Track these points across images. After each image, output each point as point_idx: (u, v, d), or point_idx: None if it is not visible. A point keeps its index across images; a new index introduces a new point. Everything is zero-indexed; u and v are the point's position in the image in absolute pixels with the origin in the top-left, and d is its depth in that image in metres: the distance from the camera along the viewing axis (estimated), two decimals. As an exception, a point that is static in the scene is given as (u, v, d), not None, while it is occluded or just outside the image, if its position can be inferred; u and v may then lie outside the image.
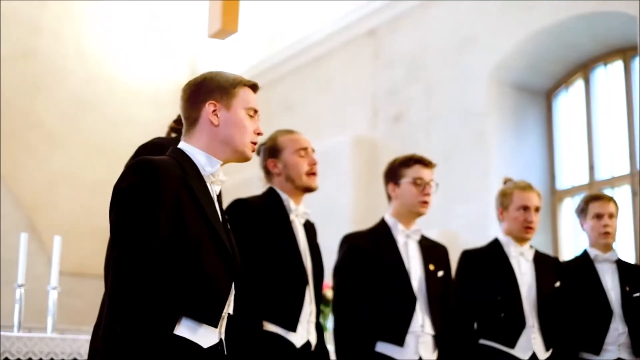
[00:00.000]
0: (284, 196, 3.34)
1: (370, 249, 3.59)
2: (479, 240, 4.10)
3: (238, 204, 3.26)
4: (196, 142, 2.38)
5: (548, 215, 7.86)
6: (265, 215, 3.24)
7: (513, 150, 7.90)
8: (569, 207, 7.95)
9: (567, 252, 7.67)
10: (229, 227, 2.60)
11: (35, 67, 10.21)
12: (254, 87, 2.49)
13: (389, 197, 3.75)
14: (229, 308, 2.33)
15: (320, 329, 3.35)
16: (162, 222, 2.13)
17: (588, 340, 3.97)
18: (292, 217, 3.32)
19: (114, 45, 10.70)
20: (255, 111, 2.45)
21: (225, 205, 3.26)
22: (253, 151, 2.46)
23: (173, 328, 2.13)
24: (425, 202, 3.66)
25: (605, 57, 7.70)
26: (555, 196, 7.97)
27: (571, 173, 7.97)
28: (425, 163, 3.71)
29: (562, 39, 7.57)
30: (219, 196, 2.85)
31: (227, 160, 2.41)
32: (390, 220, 3.70)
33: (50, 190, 9.77)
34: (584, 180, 7.80)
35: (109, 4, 10.74)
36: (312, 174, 3.37)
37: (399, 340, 3.43)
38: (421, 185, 3.65)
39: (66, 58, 10.41)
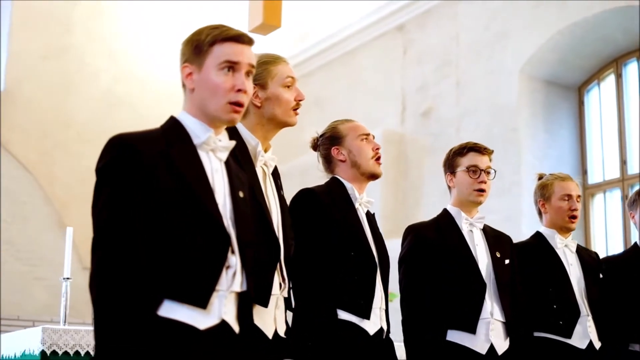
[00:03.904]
0: (347, 185, 3.29)
1: (435, 238, 3.55)
2: (512, 235, 4.07)
3: (304, 193, 3.21)
4: (188, 109, 2.24)
5: (580, 211, 7.81)
6: (331, 203, 3.20)
7: (544, 145, 7.87)
8: (600, 202, 7.90)
9: (599, 248, 7.61)
10: (277, 196, 2.59)
11: (67, 65, 10.28)
12: (239, 39, 2.22)
13: (449, 188, 3.73)
14: (235, 285, 2.13)
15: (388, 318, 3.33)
16: (133, 201, 2.02)
17: (638, 332, 3.96)
18: (356, 205, 3.28)
19: (145, 43, 10.75)
20: (234, 63, 2.19)
21: (291, 194, 3.21)
22: (236, 112, 2.19)
23: (154, 309, 2.00)
24: (482, 190, 3.61)
25: (637, 51, 7.63)
26: (587, 191, 7.92)
27: (603, 168, 7.92)
28: (480, 150, 3.64)
29: (594, 33, 7.52)
30: (275, 169, 2.77)
31: (217, 126, 2.22)
32: (452, 210, 3.66)
33: (81, 188, 9.84)
34: (616, 175, 7.74)
35: (140, 2, 10.80)
36: (377, 159, 3.35)
37: (470, 327, 3.39)
38: (476, 172, 3.60)
39: (98, 56, 10.47)
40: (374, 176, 3.35)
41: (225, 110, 2.19)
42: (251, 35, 2.31)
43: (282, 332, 2.66)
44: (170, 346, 2.00)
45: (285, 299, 2.71)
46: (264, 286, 2.53)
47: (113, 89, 10.45)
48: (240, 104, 2.20)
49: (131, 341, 1.96)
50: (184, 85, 2.27)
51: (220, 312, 2.09)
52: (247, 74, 2.23)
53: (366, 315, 3.10)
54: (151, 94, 10.48)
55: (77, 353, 3.98)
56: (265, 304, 2.53)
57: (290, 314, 2.81)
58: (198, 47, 2.21)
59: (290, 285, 2.79)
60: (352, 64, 9.75)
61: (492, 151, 3.72)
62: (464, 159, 3.63)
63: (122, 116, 10.21)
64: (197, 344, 2.04)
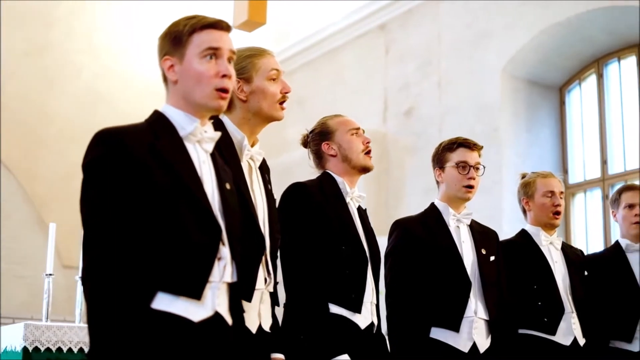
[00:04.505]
0: (339, 179, 3.29)
1: (422, 233, 3.55)
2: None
3: (295, 187, 3.20)
4: (171, 102, 2.23)
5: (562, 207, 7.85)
6: (322, 197, 3.19)
7: (526, 145, 7.90)
8: (581, 202, 7.95)
9: (580, 247, 7.63)
10: (264, 190, 2.59)
11: (49, 62, 10.21)
12: (217, 25, 2.23)
13: (437, 183, 3.73)
14: (227, 276, 2.14)
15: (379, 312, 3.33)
16: (123, 195, 2.01)
17: (620, 329, 4.02)
18: (347, 199, 3.27)
19: (127, 39, 10.70)
20: (215, 49, 2.19)
21: (281, 188, 3.20)
22: (223, 99, 2.20)
23: (148, 302, 2.00)
24: (470, 187, 3.61)
25: (619, 52, 7.68)
26: (568, 191, 7.95)
27: (584, 168, 7.96)
28: (470, 146, 3.64)
29: (576, 33, 7.56)
30: (264, 163, 2.75)
31: (203, 116, 2.22)
32: (440, 205, 3.66)
33: (61, 186, 9.79)
34: (597, 174, 7.78)
35: (121, -1, 10.74)
36: (367, 152, 3.35)
37: (454, 325, 3.40)
38: (466, 168, 3.59)
39: (79, 52, 10.40)
40: (365, 169, 3.35)
41: (212, 97, 2.18)
42: (230, 24, 2.32)
43: (267, 327, 2.65)
44: (164, 339, 2.00)
45: (271, 293, 2.70)
46: (248, 280, 2.52)
47: (94, 85, 10.40)
48: (226, 90, 2.21)
49: (126, 335, 1.96)
50: (165, 79, 2.26)
51: (213, 304, 2.10)
52: (229, 60, 2.23)
53: (357, 309, 3.11)
54: (132, 90, 10.43)
55: (59, 349, 3.98)
56: (248, 298, 2.52)
57: (278, 309, 2.80)
58: (177, 38, 2.21)
59: (277, 280, 2.78)
60: (334, 62, 9.74)
61: (482, 147, 3.71)
62: (453, 155, 3.63)
63: (103, 113, 10.14)
64: (192, 336, 2.04)
